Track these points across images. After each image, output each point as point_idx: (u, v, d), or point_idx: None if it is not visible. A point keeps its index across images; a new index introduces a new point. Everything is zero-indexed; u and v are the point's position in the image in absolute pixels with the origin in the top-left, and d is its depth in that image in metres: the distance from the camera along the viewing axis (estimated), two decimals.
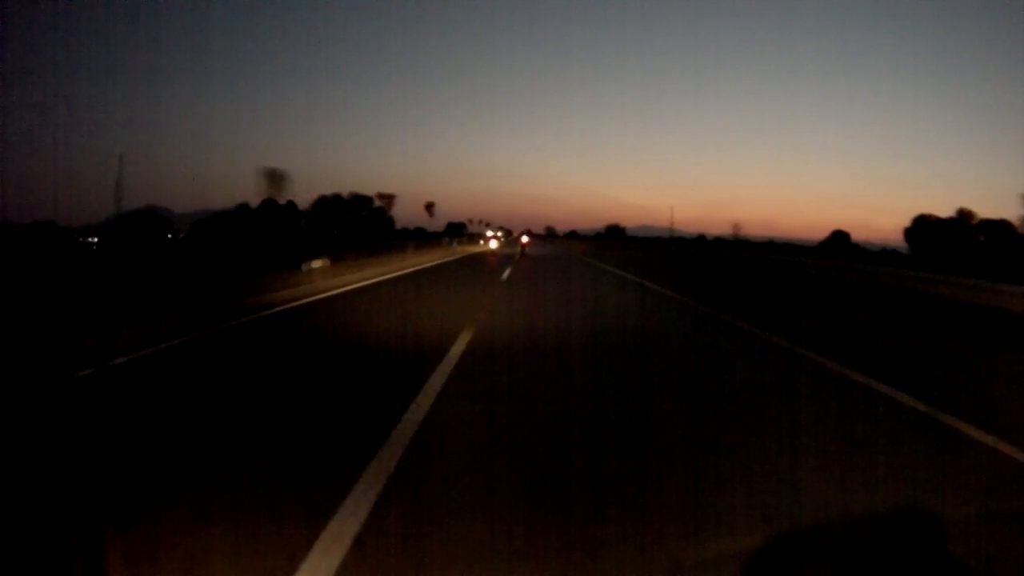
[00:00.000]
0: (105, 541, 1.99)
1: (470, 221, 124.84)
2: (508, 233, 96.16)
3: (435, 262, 20.44)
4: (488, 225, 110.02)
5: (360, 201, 73.40)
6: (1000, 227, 55.54)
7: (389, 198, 74.10)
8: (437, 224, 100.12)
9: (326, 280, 11.41)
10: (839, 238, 66.30)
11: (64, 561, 1.90)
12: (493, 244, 38.77)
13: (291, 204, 60.85)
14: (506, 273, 15.69)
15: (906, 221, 60.42)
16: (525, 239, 36.62)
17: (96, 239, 41.86)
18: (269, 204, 56.65)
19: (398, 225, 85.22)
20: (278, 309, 7.65)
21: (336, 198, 71.18)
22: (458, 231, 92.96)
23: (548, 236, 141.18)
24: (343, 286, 10.70)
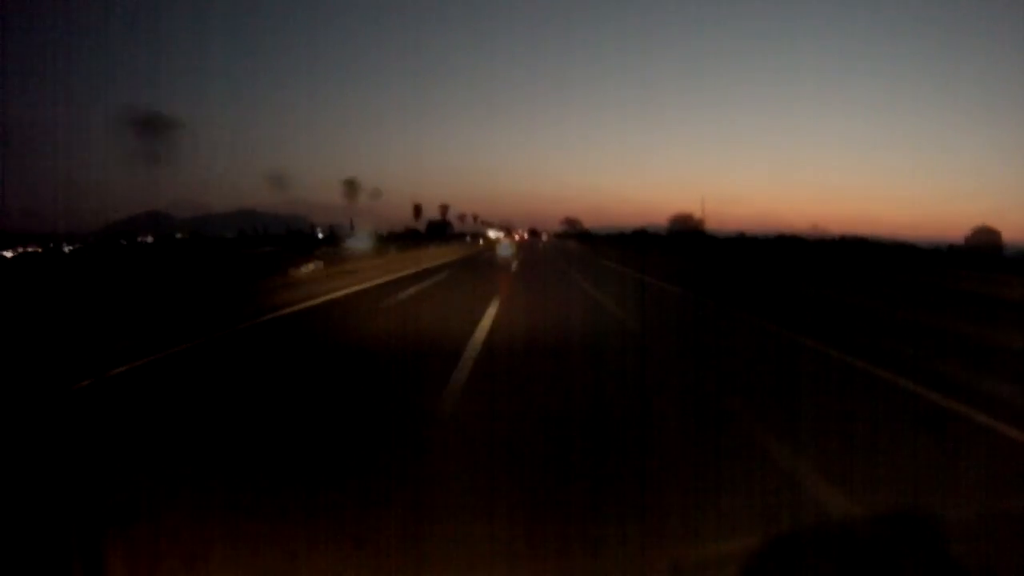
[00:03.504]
0: (103, 549, 1.98)
1: (485, 223, 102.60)
2: (507, 232, 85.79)
3: None
4: (489, 225, 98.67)
5: None
6: None
7: None
8: (430, 221, 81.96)
9: None
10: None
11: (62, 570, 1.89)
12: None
13: None
14: None
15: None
16: (527, 236, 30.72)
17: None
18: None
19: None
20: None
21: None
22: (440, 232, 75.95)
23: (572, 236, 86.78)
24: None
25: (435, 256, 26.90)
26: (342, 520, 2.27)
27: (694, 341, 6.60)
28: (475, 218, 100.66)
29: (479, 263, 23.08)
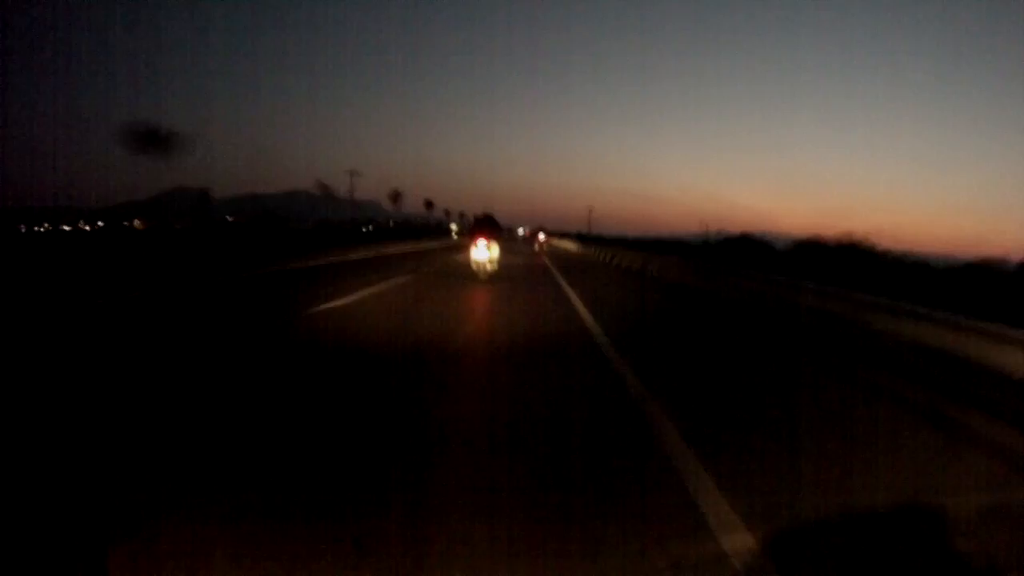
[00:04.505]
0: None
1: (450, 214, 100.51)
2: (483, 228, 68.14)
3: None
4: (456, 218, 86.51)
5: None
6: None
7: None
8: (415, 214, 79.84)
9: None
10: None
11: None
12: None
13: None
14: None
15: None
16: (527, 235, 24.65)
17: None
18: None
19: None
20: None
21: None
22: (420, 232, 63.56)
23: (573, 236, 59.51)
24: None
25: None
26: None
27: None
28: (452, 213, 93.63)
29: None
